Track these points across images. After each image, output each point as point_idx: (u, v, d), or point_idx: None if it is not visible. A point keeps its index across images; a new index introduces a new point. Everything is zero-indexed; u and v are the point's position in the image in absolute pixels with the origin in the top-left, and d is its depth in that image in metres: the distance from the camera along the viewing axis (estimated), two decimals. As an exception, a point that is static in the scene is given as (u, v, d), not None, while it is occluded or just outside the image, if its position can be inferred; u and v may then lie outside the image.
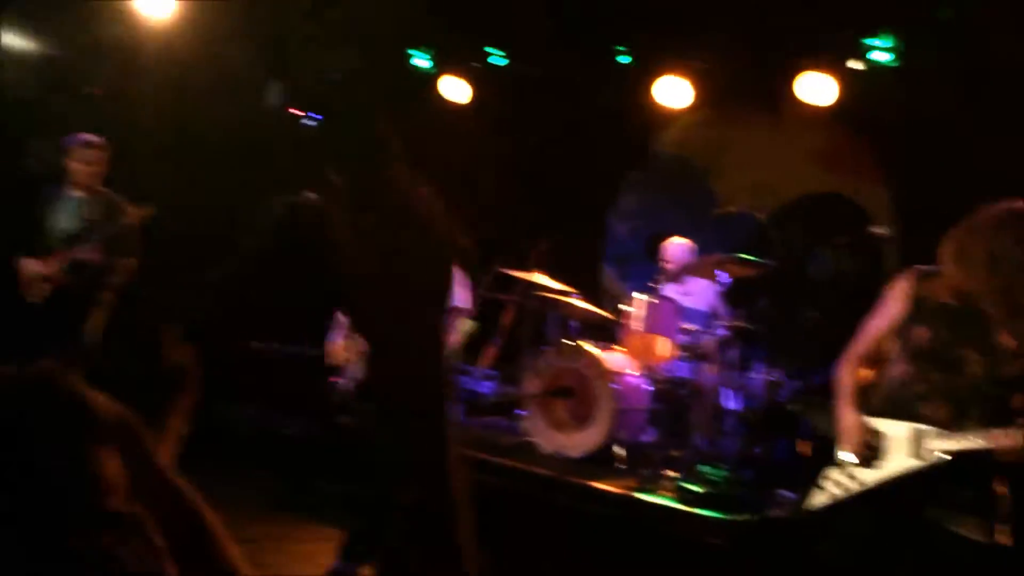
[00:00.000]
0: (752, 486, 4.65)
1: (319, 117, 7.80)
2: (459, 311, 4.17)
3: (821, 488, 2.92)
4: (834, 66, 6.45)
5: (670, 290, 6.57)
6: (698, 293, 6.62)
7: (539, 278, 6.24)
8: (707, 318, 6.22)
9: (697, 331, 6.05)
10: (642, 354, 5.91)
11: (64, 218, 5.53)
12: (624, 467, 5.34)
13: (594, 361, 5.60)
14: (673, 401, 5.88)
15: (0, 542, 1.36)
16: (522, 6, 7.28)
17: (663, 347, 5.98)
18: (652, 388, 5.79)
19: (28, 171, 6.42)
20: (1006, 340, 2.65)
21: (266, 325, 7.01)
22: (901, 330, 2.87)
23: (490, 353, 7.83)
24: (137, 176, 6.26)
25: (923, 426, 2.71)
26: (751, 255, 5.92)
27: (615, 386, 5.47)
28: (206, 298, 6.68)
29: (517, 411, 6.04)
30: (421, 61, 7.97)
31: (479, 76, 7.83)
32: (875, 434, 2.81)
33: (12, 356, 1.68)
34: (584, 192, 8.22)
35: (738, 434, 5.60)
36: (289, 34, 7.42)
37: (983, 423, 2.62)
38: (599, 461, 5.42)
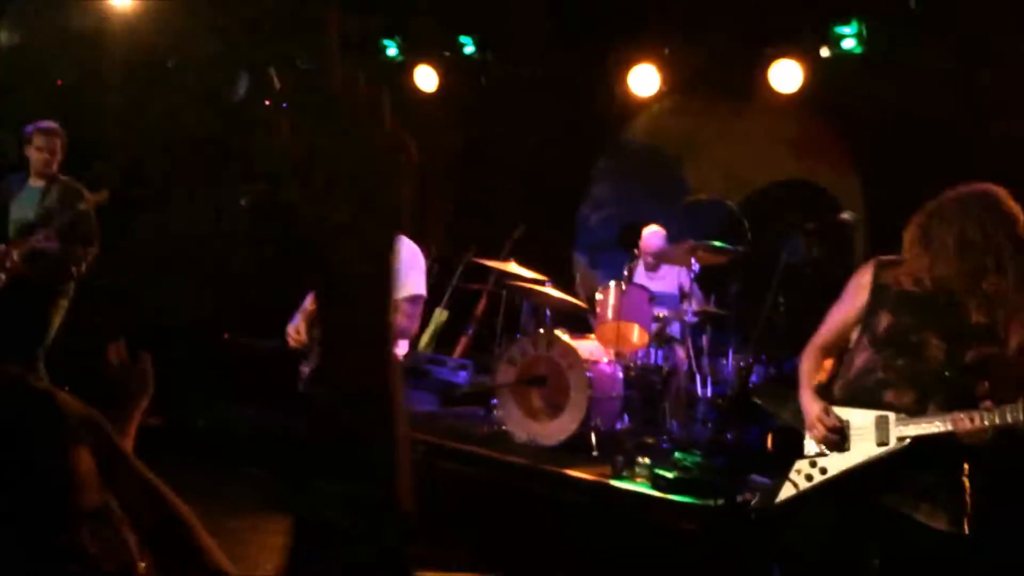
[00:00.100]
0: (725, 471, 4.68)
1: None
2: (420, 298, 4.13)
3: (789, 479, 2.92)
4: (804, 54, 6.50)
5: (643, 278, 6.61)
6: (670, 280, 6.67)
7: (512, 267, 6.24)
8: (675, 303, 6.27)
9: (669, 318, 6.09)
10: (615, 342, 5.94)
11: (23, 208, 5.47)
12: (598, 454, 5.36)
13: (567, 349, 5.61)
14: (646, 388, 5.91)
15: None
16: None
17: (636, 334, 6.01)
18: (625, 375, 5.81)
19: None
20: (977, 320, 2.65)
21: (258, 321, 6.94)
22: (863, 318, 2.87)
23: (463, 343, 7.84)
24: (101, 167, 6.19)
25: (887, 412, 2.72)
26: (722, 242, 5.96)
27: (588, 374, 5.49)
28: (199, 295, 6.65)
29: (491, 400, 6.04)
30: (390, 50, 7.94)
31: (449, 65, 7.80)
32: (840, 423, 2.80)
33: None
34: (556, 181, 8.22)
35: (710, 420, 5.65)
36: (258, 25, 7.36)
37: (947, 408, 2.62)
38: (573, 449, 5.43)
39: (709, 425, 5.62)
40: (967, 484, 2.73)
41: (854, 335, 2.91)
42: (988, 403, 2.58)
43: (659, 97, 7.43)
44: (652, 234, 6.78)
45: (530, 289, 6.21)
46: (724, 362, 6.02)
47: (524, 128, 8.15)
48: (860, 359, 2.85)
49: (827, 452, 2.82)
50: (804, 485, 2.86)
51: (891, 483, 2.72)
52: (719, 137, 7.55)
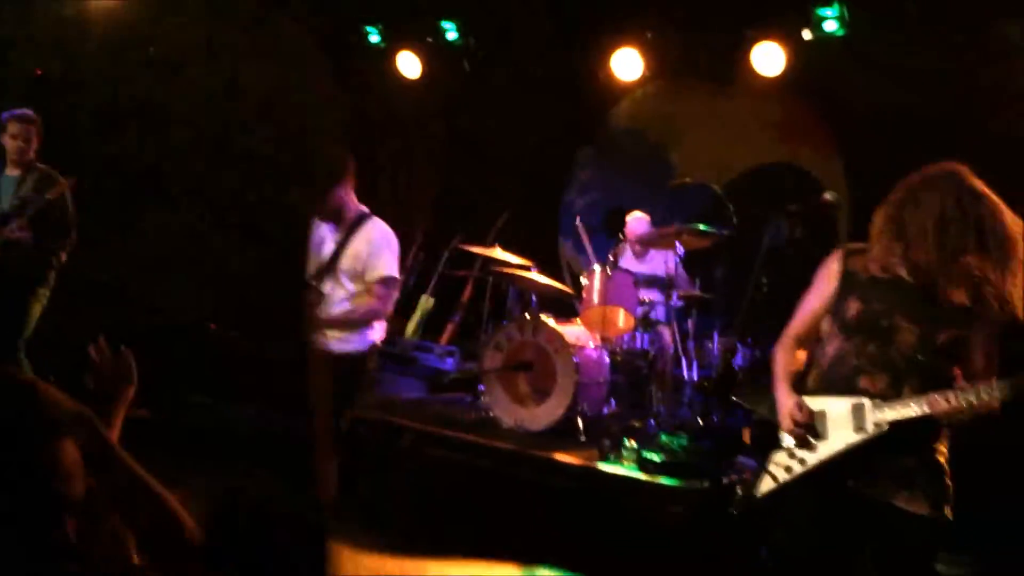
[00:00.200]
0: (711, 453, 4.71)
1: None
2: (392, 280, 4.12)
3: (768, 472, 2.90)
4: (786, 37, 6.50)
5: (630, 263, 6.62)
6: (657, 265, 6.70)
7: (497, 253, 6.24)
8: (665, 289, 6.29)
9: (655, 302, 6.11)
10: (601, 326, 5.96)
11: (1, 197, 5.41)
12: (585, 439, 5.38)
13: (553, 335, 5.62)
14: (632, 372, 5.93)
15: None
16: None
17: (621, 319, 6.03)
18: (611, 360, 5.83)
19: None
20: (953, 301, 2.66)
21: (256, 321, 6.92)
22: (833, 307, 2.87)
23: (450, 329, 7.85)
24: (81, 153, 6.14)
25: (863, 399, 2.71)
26: (707, 226, 5.98)
27: (575, 359, 5.50)
28: (199, 295, 6.63)
29: (479, 387, 6.05)
30: (372, 36, 7.90)
31: (432, 51, 7.77)
32: (816, 413, 2.79)
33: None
34: (541, 167, 8.22)
35: (696, 403, 5.67)
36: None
37: (922, 391, 2.62)
38: (560, 434, 5.45)
39: (695, 408, 5.64)
40: (946, 467, 2.73)
41: (825, 325, 2.91)
42: (963, 383, 2.59)
43: (642, 82, 7.43)
44: (636, 220, 6.79)
45: (516, 275, 6.21)
46: (710, 345, 6.05)
47: (508, 114, 8.14)
48: (832, 348, 2.85)
49: (803, 444, 2.80)
50: (784, 477, 2.84)
51: (869, 470, 2.72)
52: (703, 121, 7.56)
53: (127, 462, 1.66)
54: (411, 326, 7.80)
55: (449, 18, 7.61)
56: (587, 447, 5.21)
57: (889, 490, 2.69)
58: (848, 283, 2.85)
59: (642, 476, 4.70)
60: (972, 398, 2.53)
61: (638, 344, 6.12)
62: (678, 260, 6.19)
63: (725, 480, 4.28)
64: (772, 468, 2.89)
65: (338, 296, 4.03)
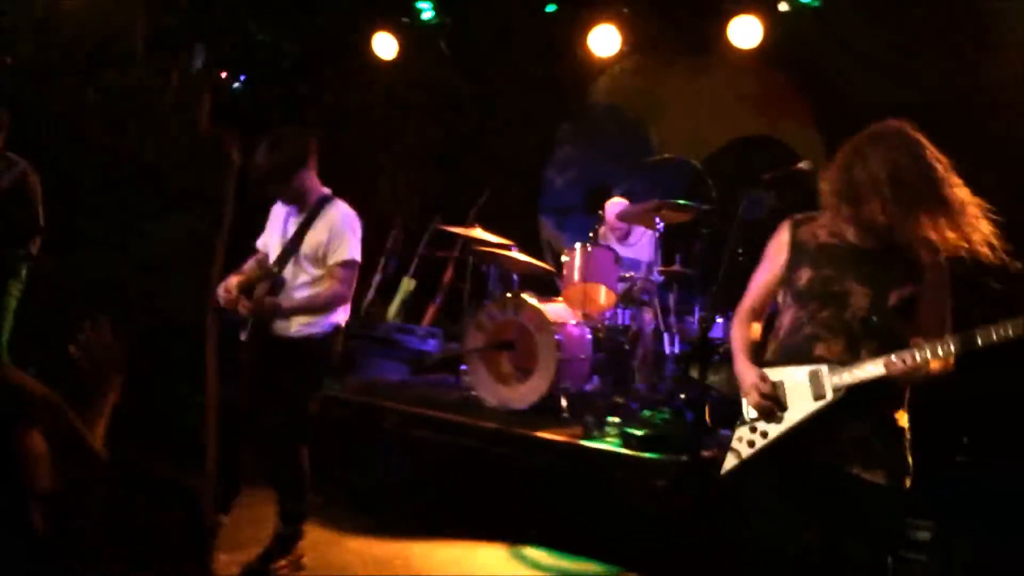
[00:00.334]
0: (692, 427, 4.72)
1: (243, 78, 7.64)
2: (353, 263, 4.09)
3: (732, 449, 2.87)
4: (762, 8, 6.48)
5: (609, 238, 6.62)
6: (636, 240, 6.69)
7: (478, 233, 6.22)
8: (645, 265, 6.28)
9: (635, 278, 6.11)
10: (582, 303, 5.95)
11: None
12: (568, 416, 5.39)
13: (535, 313, 5.61)
14: (614, 348, 5.94)
15: None
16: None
17: (602, 295, 6.02)
18: (593, 336, 5.83)
19: None
20: (904, 259, 2.65)
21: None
22: (786, 277, 2.86)
23: (432, 311, 7.84)
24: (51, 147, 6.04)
25: (820, 366, 2.69)
26: (687, 200, 5.97)
27: (557, 336, 5.50)
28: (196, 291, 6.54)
29: (461, 367, 6.04)
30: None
31: (407, 31, 7.71)
32: (775, 384, 2.76)
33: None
34: (520, 145, 8.19)
35: (678, 377, 5.68)
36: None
37: (879, 353, 2.61)
38: (544, 411, 5.46)
39: (676, 382, 5.65)
40: (907, 434, 2.72)
41: (780, 296, 2.90)
42: (918, 340, 2.57)
43: (620, 57, 7.39)
44: (615, 205, 6.77)
45: (496, 254, 6.20)
46: (691, 320, 6.05)
47: (486, 93, 8.10)
48: (787, 317, 2.84)
49: (765, 416, 2.77)
50: (747, 452, 2.82)
51: (827, 439, 2.70)
52: (681, 95, 7.54)
53: (94, 451, 1.64)
54: (392, 308, 7.78)
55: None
56: (571, 424, 5.22)
57: (847, 458, 2.67)
58: (798, 252, 2.84)
59: (625, 451, 4.71)
60: (928, 354, 2.52)
61: (620, 320, 6.13)
62: (656, 236, 6.18)
63: (705, 453, 4.28)
64: (735, 444, 2.87)
65: (300, 280, 3.99)
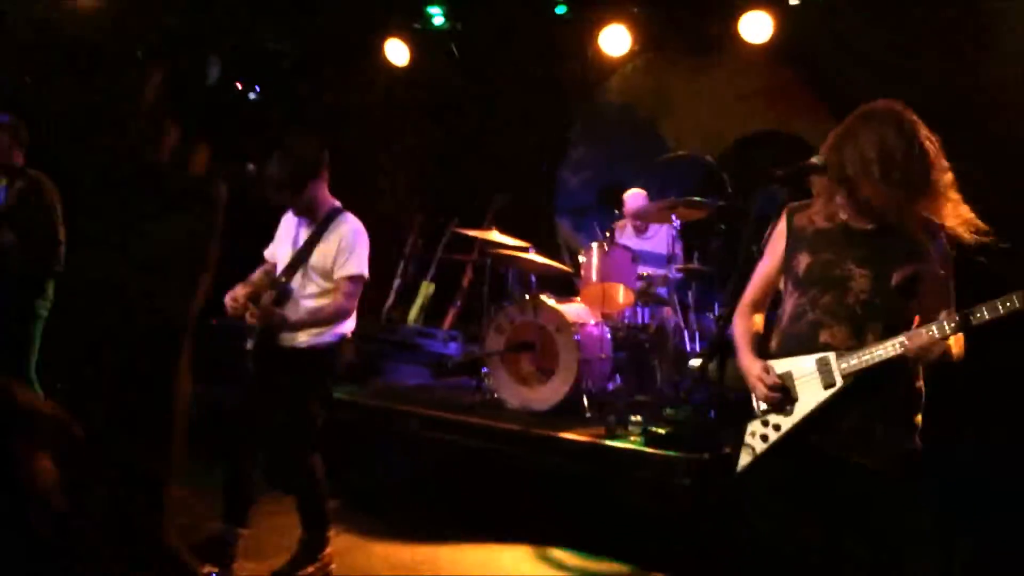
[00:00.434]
0: (715, 424, 4.72)
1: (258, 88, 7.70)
2: (359, 278, 4.11)
3: (745, 444, 2.84)
4: (772, 3, 6.46)
5: (627, 241, 6.62)
6: (654, 238, 6.69)
7: (495, 236, 6.24)
8: (663, 263, 6.28)
9: (653, 276, 6.11)
10: (601, 303, 5.96)
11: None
12: (590, 416, 5.40)
13: (554, 314, 5.63)
14: (635, 347, 5.95)
15: None
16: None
17: (621, 295, 6.03)
18: (613, 336, 5.84)
19: None
20: (902, 238, 2.63)
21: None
22: (785, 266, 2.84)
23: (451, 314, 7.86)
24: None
25: (827, 353, 2.67)
26: (702, 198, 5.96)
27: (576, 337, 5.51)
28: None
29: (482, 369, 6.06)
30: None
31: (419, 37, 7.74)
32: (783, 376, 2.74)
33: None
34: (534, 147, 8.21)
35: (697, 374, 5.68)
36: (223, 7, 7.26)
37: (885, 335, 2.59)
38: (566, 412, 5.47)
39: (697, 380, 5.64)
40: (912, 420, 2.70)
41: (781, 285, 2.88)
42: (922, 319, 2.55)
43: (631, 56, 7.40)
44: (633, 197, 6.78)
45: (514, 256, 6.21)
46: (711, 316, 6.05)
47: (499, 96, 8.12)
48: (788, 305, 2.82)
49: (775, 409, 2.76)
50: (761, 447, 2.79)
51: (830, 428, 2.69)
52: (693, 92, 7.53)
53: (109, 478, 1.64)
54: (413, 313, 7.81)
55: (435, 3, 7.56)
56: (593, 424, 5.23)
57: (850, 447, 2.65)
58: (796, 239, 2.83)
59: (649, 450, 4.71)
60: (936, 332, 2.50)
61: (639, 319, 6.13)
62: (674, 233, 6.18)
63: (726, 449, 4.28)
64: (748, 440, 2.84)
65: (307, 291, 4.03)
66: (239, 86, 7.87)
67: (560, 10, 7.16)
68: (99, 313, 2.76)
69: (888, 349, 2.57)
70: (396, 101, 8.34)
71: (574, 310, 5.84)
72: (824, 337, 2.69)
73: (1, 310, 5.15)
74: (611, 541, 4.58)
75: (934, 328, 2.51)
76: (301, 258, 4.04)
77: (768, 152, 6.89)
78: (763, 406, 2.81)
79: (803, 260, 2.78)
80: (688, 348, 5.93)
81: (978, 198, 2.69)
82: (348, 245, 4.03)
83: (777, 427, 2.77)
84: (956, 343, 2.60)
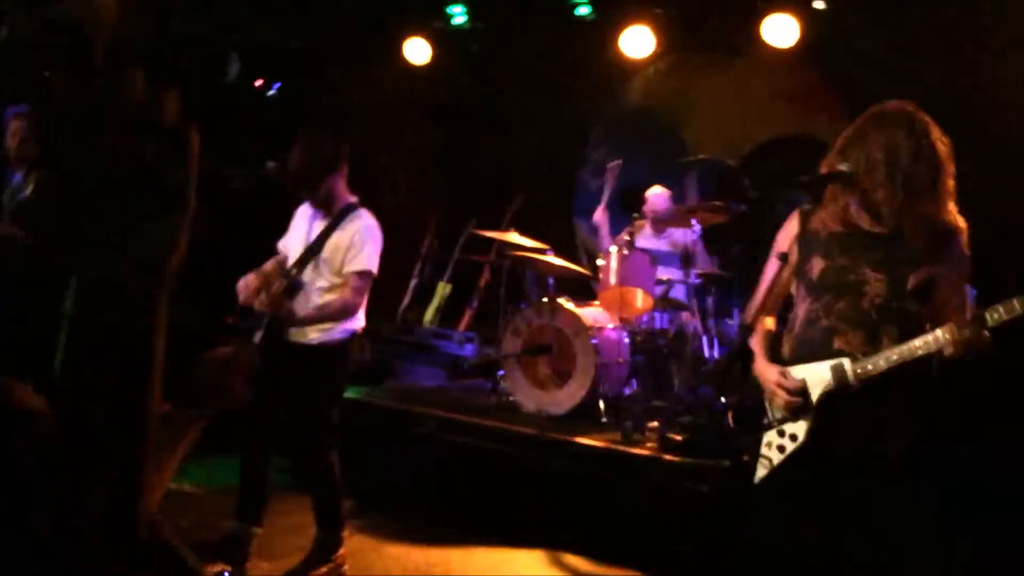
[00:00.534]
0: (732, 431, 4.66)
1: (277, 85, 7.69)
2: (367, 274, 4.09)
3: (762, 456, 2.78)
4: (797, 6, 6.40)
5: (645, 241, 6.57)
6: (673, 242, 6.63)
7: (513, 237, 6.20)
8: (683, 267, 6.23)
9: (672, 281, 6.06)
10: (619, 307, 5.91)
11: (11, 200, 5.31)
12: (607, 421, 5.35)
13: (572, 317, 5.59)
14: (652, 352, 5.89)
15: None
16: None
17: (639, 299, 5.98)
18: (631, 340, 5.79)
19: None
20: (915, 242, 2.59)
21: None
22: (797, 270, 2.80)
23: (468, 315, 7.82)
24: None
25: (841, 359, 2.62)
26: (723, 202, 5.91)
27: (594, 340, 5.47)
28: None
29: (498, 372, 6.03)
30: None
31: (440, 37, 7.71)
32: (798, 382, 2.69)
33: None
34: (554, 148, 8.17)
35: (717, 380, 5.62)
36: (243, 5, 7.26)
37: (900, 339, 2.55)
38: (582, 416, 5.43)
39: (715, 386, 5.59)
40: (912, 423, 2.65)
41: (793, 289, 2.84)
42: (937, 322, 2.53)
43: (653, 58, 7.34)
44: (656, 195, 6.73)
45: (532, 258, 6.18)
46: (730, 322, 6.00)
47: (519, 96, 8.08)
48: (801, 310, 2.77)
49: (790, 417, 2.70)
50: (778, 458, 2.73)
51: (844, 432, 2.65)
52: (715, 95, 7.47)
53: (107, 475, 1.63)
54: (429, 313, 7.78)
55: (458, 1, 7.53)
56: (609, 429, 5.19)
57: (861, 450, 2.62)
58: (809, 243, 2.78)
59: (665, 456, 4.66)
60: (950, 336, 2.47)
61: (657, 324, 6.08)
62: (694, 237, 6.13)
63: (745, 457, 4.23)
64: (765, 451, 2.78)
65: (317, 284, 4.03)
66: (259, 83, 7.87)
67: (583, 11, 7.12)
68: (99, 313, 2.73)
69: (902, 354, 2.53)
70: (414, 99, 8.32)
71: (592, 313, 5.80)
72: (838, 343, 2.65)
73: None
74: (624, 548, 4.54)
75: (940, 336, 2.48)
76: (313, 251, 4.05)
77: (792, 157, 6.82)
78: (778, 415, 2.76)
79: (817, 264, 2.74)
80: (707, 354, 5.87)
81: (978, 198, 2.67)
82: (360, 240, 4.03)
83: (794, 437, 2.72)
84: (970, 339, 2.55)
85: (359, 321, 4.16)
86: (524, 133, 8.14)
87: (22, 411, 1.48)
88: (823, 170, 2.76)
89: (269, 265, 4.17)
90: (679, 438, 4.69)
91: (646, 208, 6.69)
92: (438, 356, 7.05)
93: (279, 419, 4.05)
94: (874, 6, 6.09)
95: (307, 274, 4.04)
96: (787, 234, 2.88)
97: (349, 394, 5.23)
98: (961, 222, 2.65)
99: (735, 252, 5.82)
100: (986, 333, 2.46)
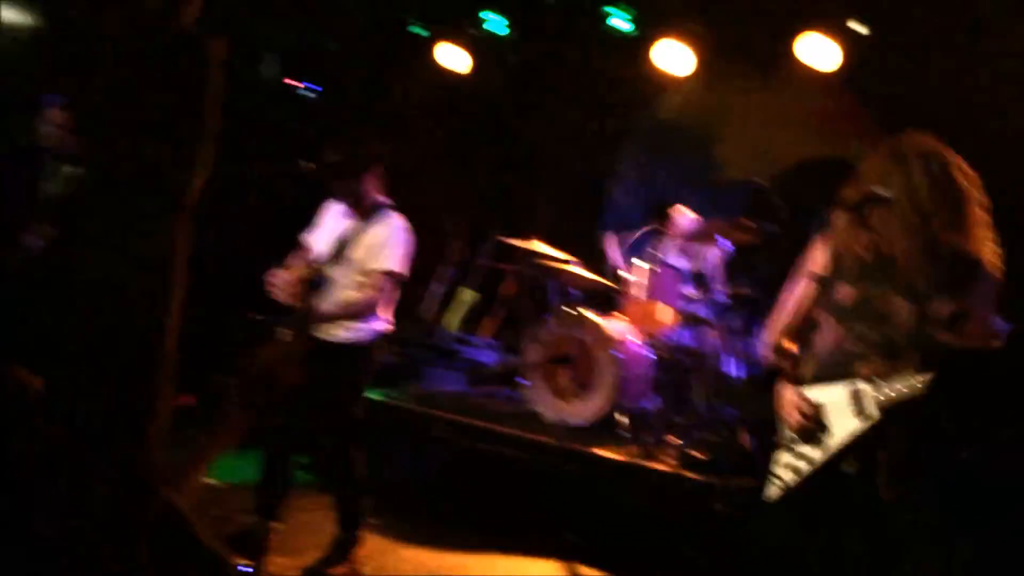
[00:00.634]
0: (755, 451, 4.65)
1: (317, 88, 7.75)
2: (393, 274, 4.11)
3: (774, 475, 2.77)
4: (835, 28, 6.37)
5: (672, 257, 6.55)
6: (700, 259, 6.61)
7: (539, 246, 6.21)
8: (709, 285, 6.21)
9: (699, 298, 6.04)
10: (643, 321, 5.90)
11: (52, 187, 5.36)
12: (627, 435, 5.34)
13: (595, 329, 5.59)
14: (675, 368, 5.87)
15: None
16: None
17: (664, 314, 5.96)
18: (654, 355, 5.78)
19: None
20: (939, 271, 2.60)
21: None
22: (823, 293, 2.79)
23: (491, 323, 7.84)
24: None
25: (858, 383, 2.61)
26: (753, 221, 5.89)
27: (617, 354, 5.46)
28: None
29: (519, 380, 6.03)
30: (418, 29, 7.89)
31: (476, 44, 7.74)
32: (815, 405, 2.68)
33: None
34: (583, 160, 8.17)
35: (739, 400, 5.60)
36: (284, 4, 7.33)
37: (922, 368, 2.53)
38: (602, 429, 5.42)
39: (737, 405, 5.57)
40: (907, 443, 2.64)
41: (815, 313, 2.83)
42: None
43: (687, 74, 7.33)
44: (682, 216, 6.71)
45: (557, 268, 6.18)
46: (755, 342, 5.96)
47: (554, 107, 8.10)
48: (827, 335, 2.76)
49: (805, 440, 2.69)
50: (791, 479, 2.72)
51: (855, 451, 2.64)
52: (748, 114, 7.44)
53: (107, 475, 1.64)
54: (453, 319, 7.80)
55: (494, 10, 7.57)
56: (629, 443, 5.18)
57: (874, 472, 2.61)
58: (836, 268, 2.78)
59: (685, 473, 4.65)
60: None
61: (681, 340, 6.06)
62: (721, 255, 6.11)
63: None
64: (778, 471, 2.77)
65: (344, 283, 4.06)
66: (298, 85, 7.94)
67: (624, 27, 7.12)
68: (99, 313, 2.76)
69: (922, 381, 2.51)
70: (446, 106, 8.35)
71: (615, 326, 5.80)
72: (863, 369, 2.64)
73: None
74: (641, 563, 4.52)
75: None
76: (342, 249, 4.08)
77: (825, 180, 6.78)
78: (792, 435, 2.75)
79: (844, 290, 2.73)
80: (732, 373, 5.85)
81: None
82: (389, 241, 4.06)
83: (810, 460, 2.70)
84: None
85: (387, 324, 4.18)
86: (554, 144, 8.16)
87: (24, 394, 1.51)
88: (847, 195, 2.77)
89: (295, 260, 4.21)
90: (699, 455, 4.68)
91: (670, 226, 6.66)
92: (460, 361, 7.07)
93: (302, 416, 4.08)
94: (918, 35, 6.05)
95: (334, 271, 4.07)
96: (817, 256, 2.87)
97: (370, 395, 5.26)
98: (989, 254, 2.65)
99: (764, 272, 5.80)
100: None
